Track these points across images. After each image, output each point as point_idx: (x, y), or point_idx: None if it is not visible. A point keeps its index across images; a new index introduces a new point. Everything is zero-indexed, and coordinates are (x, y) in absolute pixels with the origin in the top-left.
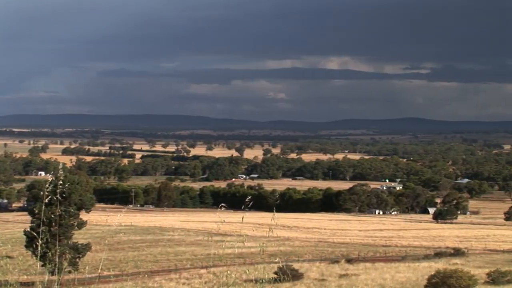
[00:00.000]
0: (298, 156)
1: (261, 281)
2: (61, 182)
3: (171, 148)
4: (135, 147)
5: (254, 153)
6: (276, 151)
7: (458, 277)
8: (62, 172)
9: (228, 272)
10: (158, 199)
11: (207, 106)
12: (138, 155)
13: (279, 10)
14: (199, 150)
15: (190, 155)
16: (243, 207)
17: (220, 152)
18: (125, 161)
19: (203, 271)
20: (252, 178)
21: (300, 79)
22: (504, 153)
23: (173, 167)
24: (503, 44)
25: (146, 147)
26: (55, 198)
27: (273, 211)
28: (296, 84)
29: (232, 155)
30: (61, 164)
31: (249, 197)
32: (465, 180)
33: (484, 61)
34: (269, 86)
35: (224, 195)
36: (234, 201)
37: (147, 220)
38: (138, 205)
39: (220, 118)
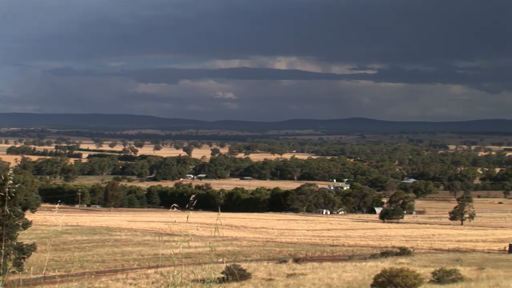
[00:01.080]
0: (246, 156)
1: (208, 281)
2: (11, 181)
3: (118, 147)
4: (82, 146)
5: (202, 153)
6: (224, 151)
7: (404, 276)
8: (11, 172)
9: (175, 272)
10: (105, 199)
11: (155, 105)
12: (85, 155)
13: (227, 10)
14: (147, 150)
15: (138, 155)
16: (187, 206)
17: (167, 151)
18: (72, 160)
19: (150, 271)
20: (200, 178)
21: (248, 79)
22: (449, 153)
23: (120, 167)
24: (448, 46)
25: (93, 146)
26: (3, 197)
27: (222, 211)
28: (244, 84)
29: (180, 154)
30: (10, 164)
31: (193, 196)
32: (411, 180)
33: (429, 62)
34: (217, 86)
35: (172, 195)
36: (182, 201)
37: (93, 220)
38: (85, 205)
39: (168, 117)
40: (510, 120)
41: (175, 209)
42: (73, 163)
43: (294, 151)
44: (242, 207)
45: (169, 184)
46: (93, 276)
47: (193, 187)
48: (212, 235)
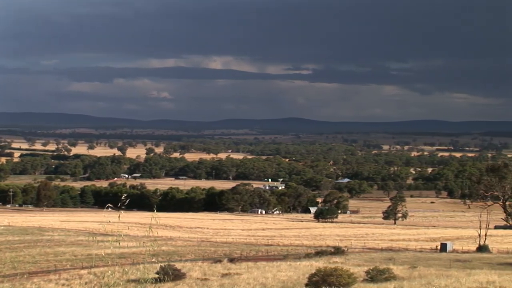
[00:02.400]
0: (181, 156)
1: (142, 281)
2: None
3: (51, 147)
4: (14, 145)
5: (136, 152)
6: (159, 150)
7: (338, 275)
8: None
9: (109, 272)
10: (38, 198)
11: (89, 104)
12: (17, 154)
13: (162, 9)
14: (80, 149)
15: (71, 154)
16: (119, 205)
17: (102, 151)
18: (3, 159)
19: (83, 271)
20: (135, 178)
21: (183, 78)
22: (383, 153)
23: (53, 166)
24: (382, 47)
25: (25, 145)
26: None
27: (157, 210)
28: (180, 83)
29: (114, 154)
30: None
31: (125, 195)
32: (346, 180)
33: (363, 63)
34: (152, 85)
35: (106, 195)
36: (116, 200)
37: (25, 220)
38: (17, 205)
39: (102, 116)
40: (442, 121)
41: (109, 209)
42: (4, 163)
43: (229, 150)
44: (177, 207)
45: (103, 184)
46: (25, 277)
47: (128, 186)
48: (148, 235)
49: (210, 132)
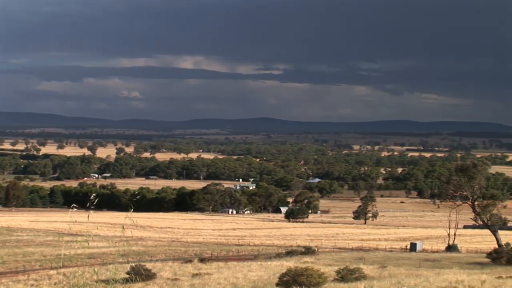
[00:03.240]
0: (152, 155)
1: (113, 281)
2: None
3: (20, 146)
4: None
5: (107, 152)
6: (129, 150)
7: (308, 275)
8: None
9: (79, 272)
10: (6, 198)
11: (58, 103)
12: None
13: (132, 8)
14: (50, 149)
15: (40, 154)
16: (87, 205)
17: (71, 151)
18: None
19: (52, 272)
20: (105, 177)
21: (154, 78)
22: (353, 154)
23: (22, 166)
24: (352, 47)
25: None
26: None
27: (127, 210)
28: (150, 83)
29: (84, 154)
30: None
31: (93, 195)
32: (316, 180)
33: (334, 64)
34: (122, 85)
35: (76, 195)
36: (86, 200)
37: None
38: None
39: (72, 116)
40: (412, 121)
41: (74, 209)
42: None
43: (200, 150)
44: (147, 207)
45: (73, 184)
46: None
47: (98, 186)
48: (119, 235)
49: (181, 132)
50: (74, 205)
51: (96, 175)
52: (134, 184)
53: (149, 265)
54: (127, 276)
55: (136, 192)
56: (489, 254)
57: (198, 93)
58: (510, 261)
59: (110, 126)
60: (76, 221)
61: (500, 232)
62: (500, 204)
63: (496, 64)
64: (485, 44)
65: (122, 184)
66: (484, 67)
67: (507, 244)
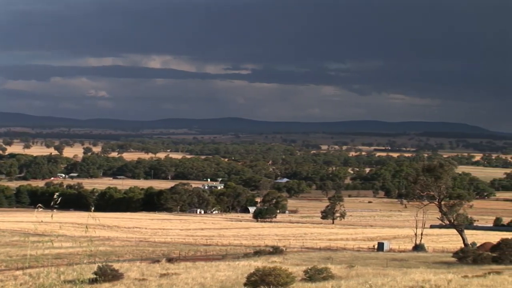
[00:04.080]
0: (119, 155)
1: (79, 281)
2: None
3: None
4: None
5: (74, 152)
6: (97, 149)
7: (276, 275)
8: None
9: (45, 273)
10: None
11: (25, 103)
12: None
13: (100, 7)
14: (16, 148)
15: (6, 153)
16: (51, 204)
17: (38, 150)
18: None
19: (18, 272)
20: (72, 177)
21: (121, 77)
22: (321, 153)
23: None
24: (320, 48)
25: None
26: None
27: (92, 210)
28: (118, 82)
29: (51, 153)
30: None
31: (57, 194)
32: (285, 180)
33: (302, 64)
34: (90, 84)
35: (42, 195)
36: (52, 200)
37: None
38: None
39: (38, 115)
40: (379, 121)
41: (40, 209)
42: None
43: (168, 150)
44: (115, 207)
45: (39, 184)
46: None
47: (65, 186)
48: (85, 235)
49: (148, 131)
50: (40, 205)
51: (63, 175)
52: (101, 184)
53: (116, 265)
54: (94, 276)
55: (102, 192)
56: (456, 254)
57: (166, 93)
58: (476, 261)
59: (77, 126)
60: (42, 221)
61: (466, 231)
62: (466, 204)
63: (463, 65)
64: (453, 45)
65: (89, 184)
66: (451, 68)
67: (473, 244)
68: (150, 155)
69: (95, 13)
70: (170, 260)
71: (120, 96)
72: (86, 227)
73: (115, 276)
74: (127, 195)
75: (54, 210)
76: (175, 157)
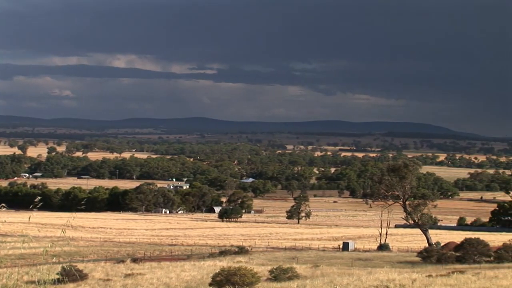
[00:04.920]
0: (84, 155)
1: (43, 282)
2: None
3: None
4: None
5: (38, 151)
6: (61, 149)
7: (241, 275)
8: None
9: (7, 273)
10: None
11: None
12: None
13: (63, 6)
14: None
15: None
16: (31, 206)
17: (1, 150)
18: None
19: None
20: (36, 177)
21: (86, 77)
22: (287, 153)
23: None
24: (285, 48)
25: None
26: None
27: (59, 211)
28: (83, 82)
29: (14, 153)
30: None
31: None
32: (250, 180)
33: (268, 64)
34: (54, 83)
35: (6, 195)
36: (16, 200)
37: None
38: None
39: (1, 114)
40: (345, 121)
41: (3, 209)
42: None
43: (133, 150)
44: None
45: (2, 184)
46: None
47: (28, 186)
48: (50, 235)
49: (113, 131)
50: (3, 204)
51: (27, 175)
52: (66, 184)
53: (80, 266)
54: (58, 277)
55: (67, 192)
56: (420, 253)
57: (131, 92)
58: (440, 260)
59: (42, 125)
60: (5, 221)
61: (430, 231)
62: (430, 203)
63: (428, 66)
64: (417, 46)
65: (53, 184)
66: (416, 68)
67: (437, 243)
68: (115, 154)
69: (59, 12)
70: (135, 260)
71: (85, 95)
72: (63, 230)
73: (80, 276)
74: (92, 195)
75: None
76: (140, 157)
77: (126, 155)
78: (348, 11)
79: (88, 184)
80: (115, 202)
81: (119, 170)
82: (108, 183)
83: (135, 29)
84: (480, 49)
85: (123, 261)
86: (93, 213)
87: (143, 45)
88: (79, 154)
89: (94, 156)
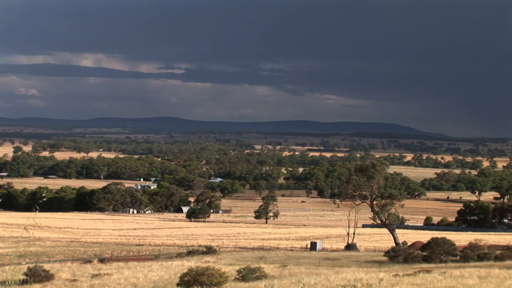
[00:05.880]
0: (50, 154)
1: (9, 282)
2: None
3: None
4: None
5: (3, 151)
6: (27, 148)
7: (209, 275)
8: None
9: None
10: None
11: None
12: None
13: (29, 4)
14: None
15: None
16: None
17: None
18: None
19: None
20: (1, 177)
21: (53, 76)
22: (255, 153)
23: None
24: (253, 48)
25: None
26: None
27: (25, 210)
28: (49, 81)
29: None
30: None
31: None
32: (218, 179)
33: (236, 64)
34: (20, 82)
35: None
36: None
37: None
38: None
39: None
40: (313, 121)
41: None
42: None
43: (101, 149)
44: (46, 207)
45: None
46: None
47: None
48: (16, 236)
49: (81, 130)
50: None
51: None
52: (32, 183)
53: (47, 266)
54: (24, 277)
55: (33, 191)
56: (387, 253)
57: (99, 92)
58: (407, 259)
59: (7, 124)
60: None
61: (397, 231)
62: (397, 203)
63: (395, 66)
64: (384, 46)
65: (19, 184)
66: (383, 69)
67: (404, 243)
68: (82, 154)
69: (26, 11)
70: (102, 260)
71: (52, 94)
72: (25, 228)
73: (46, 277)
74: (59, 194)
75: None
76: (107, 157)
77: (94, 154)
78: (317, 11)
79: (54, 184)
80: (82, 202)
81: (86, 170)
82: (75, 183)
83: (103, 28)
84: (447, 50)
85: (90, 261)
86: (60, 213)
87: (111, 44)
88: (45, 153)
89: (61, 155)
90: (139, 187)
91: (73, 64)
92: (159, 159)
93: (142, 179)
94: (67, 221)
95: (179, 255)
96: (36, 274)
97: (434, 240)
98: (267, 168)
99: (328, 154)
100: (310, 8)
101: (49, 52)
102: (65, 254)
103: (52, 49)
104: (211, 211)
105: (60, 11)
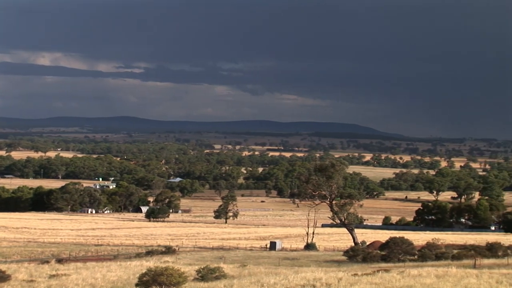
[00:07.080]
0: (7, 154)
1: None
2: None
3: None
4: None
5: None
6: None
7: (168, 275)
8: None
9: None
10: None
11: None
12: None
13: None
14: None
15: None
16: None
17: None
18: None
19: None
20: None
21: (9, 74)
22: (215, 153)
23: None
24: (213, 48)
25: None
26: None
27: None
28: (5, 80)
29: None
30: None
31: None
32: (178, 179)
33: (196, 63)
34: None
35: None
36: None
37: None
38: None
39: None
40: (272, 121)
41: None
42: None
43: (58, 149)
44: (2, 207)
45: None
46: None
47: None
48: None
49: (38, 129)
50: None
51: None
52: None
53: (3, 267)
54: None
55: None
56: (346, 252)
57: (56, 91)
58: (366, 259)
59: None
60: None
61: (356, 230)
62: (356, 203)
63: (354, 66)
64: (343, 46)
65: None
66: (342, 69)
67: (363, 242)
68: (40, 153)
69: None
70: (59, 260)
71: (8, 93)
72: None
73: (2, 277)
74: (16, 194)
75: None
76: (66, 156)
77: (51, 154)
78: (276, 11)
79: (11, 183)
80: (40, 202)
81: (44, 170)
82: (32, 183)
83: (61, 26)
84: (405, 50)
85: (47, 262)
86: (17, 213)
87: (69, 43)
88: (2, 153)
89: (18, 155)
90: (97, 187)
91: (30, 63)
92: (118, 158)
93: (101, 179)
94: (24, 221)
95: (138, 255)
96: None
97: (392, 240)
98: (227, 168)
99: (287, 154)
100: (270, 8)
101: (5, 50)
102: (22, 255)
103: (8, 47)
104: (171, 211)
105: (17, 8)
